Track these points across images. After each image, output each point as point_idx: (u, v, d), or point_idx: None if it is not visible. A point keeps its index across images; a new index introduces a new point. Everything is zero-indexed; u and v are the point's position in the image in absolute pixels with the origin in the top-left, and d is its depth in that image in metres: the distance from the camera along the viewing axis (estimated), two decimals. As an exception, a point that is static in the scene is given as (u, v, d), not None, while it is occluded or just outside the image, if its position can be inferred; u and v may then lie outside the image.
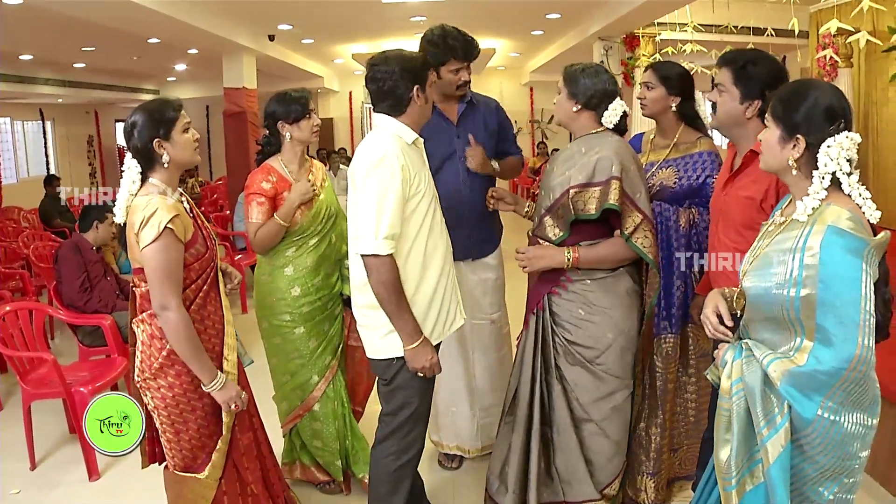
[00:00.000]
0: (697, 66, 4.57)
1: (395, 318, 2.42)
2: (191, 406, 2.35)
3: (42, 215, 9.39)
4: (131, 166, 2.32)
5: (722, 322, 2.01)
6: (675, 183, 2.87)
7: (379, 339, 2.50)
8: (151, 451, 2.57)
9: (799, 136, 1.80)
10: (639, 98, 2.96)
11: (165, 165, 2.32)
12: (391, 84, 2.45)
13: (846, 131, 1.77)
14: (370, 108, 19.03)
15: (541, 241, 2.75)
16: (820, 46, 6.57)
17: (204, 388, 2.32)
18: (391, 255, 2.36)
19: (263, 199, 2.99)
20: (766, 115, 1.89)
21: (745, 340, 1.90)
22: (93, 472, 3.56)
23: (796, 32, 5.97)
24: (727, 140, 2.57)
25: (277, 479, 2.80)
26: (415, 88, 2.45)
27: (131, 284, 2.39)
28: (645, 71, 3.00)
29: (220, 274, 2.48)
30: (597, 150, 2.61)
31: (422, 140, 2.59)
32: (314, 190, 3.05)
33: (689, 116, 2.94)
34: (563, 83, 2.70)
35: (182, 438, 2.37)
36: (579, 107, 2.66)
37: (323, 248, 3.09)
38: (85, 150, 15.61)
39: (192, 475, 2.42)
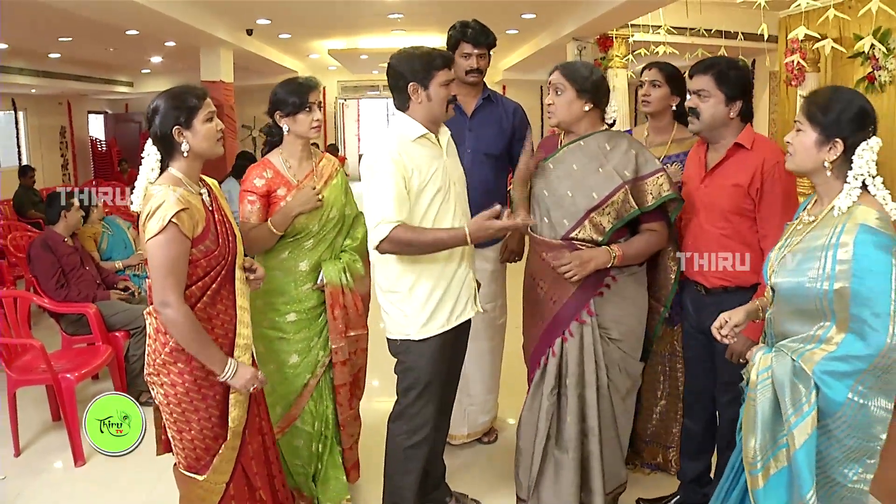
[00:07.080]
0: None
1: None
2: (193, 406, 2.26)
3: (16, 206, 9.34)
4: (151, 153, 2.25)
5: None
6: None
7: (390, 321, 2.66)
8: (167, 440, 2.42)
9: (837, 139, 1.87)
10: (644, 95, 3.08)
11: (185, 154, 2.25)
12: (391, 79, 2.54)
13: (874, 136, 1.88)
14: (343, 104, 18.68)
15: (578, 246, 2.60)
16: (788, 51, 6.75)
17: (219, 378, 2.25)
18: (401, 223, 2.42)
19: (255, 198, 2.77)
20: (800, 119, 1.95)
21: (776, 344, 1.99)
22: (78, 458, 3.60)
23: (766, 37, 6.14)
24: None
25: (282, 485, 2.66)
26: (410, 85, 2.47)
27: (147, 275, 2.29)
28: (647, 69, 3.11)
29: (237, 271, 2.37)
30: (624, 146, 2.60)
31: (437, 135, 2.59)
32: (319, 200, 2.80)
33: (681, 114, 3.08)
34: (567, 82, 2.57)
35: (185, 438, 2.29)
36: (591, 106, 2.60)
37: (320, 252, 2.87)
38: (57, 142, 15.41)
39: (194, 476, 2.33)
